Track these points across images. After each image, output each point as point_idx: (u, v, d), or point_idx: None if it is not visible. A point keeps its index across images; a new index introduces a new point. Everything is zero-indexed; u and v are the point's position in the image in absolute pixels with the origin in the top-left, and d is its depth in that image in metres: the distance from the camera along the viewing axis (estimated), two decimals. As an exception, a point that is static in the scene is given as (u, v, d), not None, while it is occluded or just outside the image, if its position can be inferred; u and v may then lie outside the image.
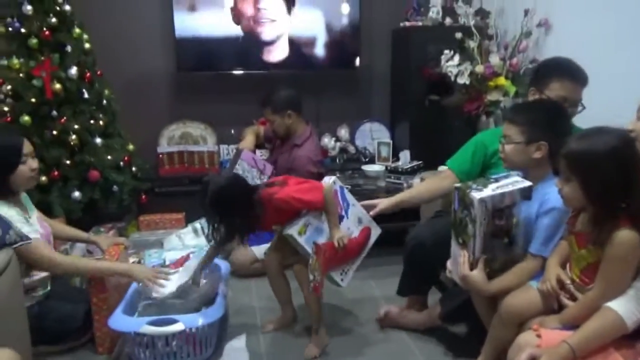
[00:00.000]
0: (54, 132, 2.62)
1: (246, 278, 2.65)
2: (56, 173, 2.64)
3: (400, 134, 3.58)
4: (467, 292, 1.70)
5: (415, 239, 2.01)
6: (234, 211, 1.84)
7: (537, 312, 1.46)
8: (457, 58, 2.92)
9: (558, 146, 1.58)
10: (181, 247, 2.73)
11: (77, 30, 2.74)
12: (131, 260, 2.53)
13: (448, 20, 3.30)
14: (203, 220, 2.81)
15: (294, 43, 3.42)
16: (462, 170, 1.99)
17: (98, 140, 2.76)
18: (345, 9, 3.44)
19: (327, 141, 3.60)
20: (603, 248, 1.29)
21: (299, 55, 3.43)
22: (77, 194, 2.66)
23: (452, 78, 2.92)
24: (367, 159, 3.51)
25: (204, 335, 1.91)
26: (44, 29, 2.61)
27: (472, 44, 2.92)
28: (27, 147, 1.96)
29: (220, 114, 3.49)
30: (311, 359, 1.97)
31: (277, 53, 3.42)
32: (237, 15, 3.31)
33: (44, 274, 2.00)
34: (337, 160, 3.54)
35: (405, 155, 3.33)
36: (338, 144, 3.62)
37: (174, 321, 1.84)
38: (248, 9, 3.31)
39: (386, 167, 3.25)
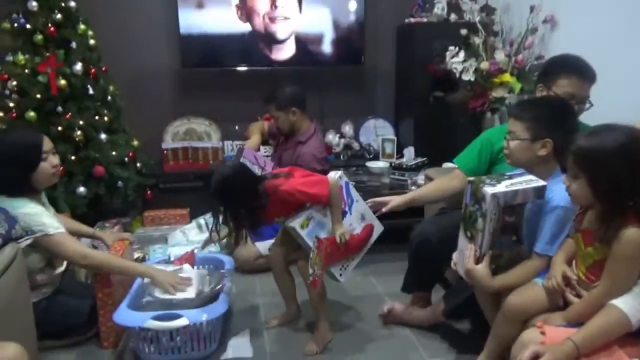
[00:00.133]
0: (59, 128, 2.63)
1: (250, 274, 2.66)
2: (61, 168, 2.64)
3: (405, 131, 3.57)
4: (471, 289, 1.70)
5: (420, 236, 2.01)
6: (238, 201, 1.84)
7: (542, 309, 1.46)
8: (462, 54, 2.91)
9: (564, 144, 1.57)
10: (185, 242, 2.75)
11: (82, 26, 2.75)
12: (135, 255, 2.55)
13: (453, 17, 3.28)
14: (207, 216, 2.82)
15: (299, 40, 3.42)
16: (469, 168, 1.99)
17: (103, 136, 2.77)
18: (351, 5, 3.43)
19: (331, 137, 3.60)
20: (610, 246, 1.28)
21: (304, 51, 3.43)
22: (82, 189, 2.67)
23: (457, 74, 2.91)
24: (371, 156, 3.51)
25: (208, 330, 1.92)
26: (49, 25, 2.62)
27: (478, 41, 2.90)
28: (47, 144, 1.97)
29: (225, 110, 3.50)
30: (311, 356, 1.98)
31: (285, 50, 3.41)
32: (246, 13, 3.30)
33: (56, 272, 2.03)
34: (341, 157, 3.54)
35: (409, 152, 3.33)
36: (342, 140, 3.62)
37: (179, 316, 1.85)
38: (262, 7, 3.30)
39: (390, 163, 3.24)
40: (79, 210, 2.66)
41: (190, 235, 2.84)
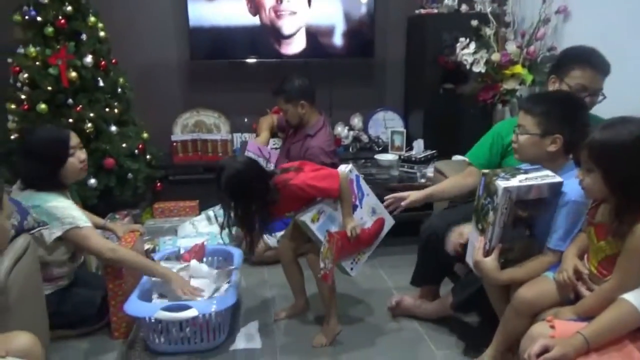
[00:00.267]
0: (70, 120, 2.64)
1: (259, 266, 2.67)
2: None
3: (414, 123, 3.55)
4: (480, 282, 1.70)
5: (429, 230, 2.01)
6: (249, 196, 1.83)
7: (552, 303, 1.45)
8: (473, 46, 2.88)
9: (574, 140, 1.56)
10: (195, 234, 2.76)
11: (92, 18, 2.75)
12: (146, 246, 2.57)
13: (464, 8, 3.25)
14: (217, 208, 2.84)
15: (309, 32, 3.40)
16: (480, 163, 1.98)
17: (113, 128, 2.79)
18: (361, -4, 3.40)
19: (340, 130, 3.59)
20: (623, 240, 1.27)
21: (313, 43, 3.41)
22: (92, 181, 2.69)
23: (468, 66, 2.88)
24: (380, 148, 3.50)
25: (217, 321, 1.93)
26: (60, 17, 2.63)
27: (489, 32, 2.87)
28: (74, 139, 1.99)
29: (234, 103, 3.50)
30: (320, 348, 1.99)
31: (294, 44, 3.40)
32: (255, 7, 3.29)
33: (74, 265, 2.06)
34: (350, 149, 3.53)
35: (419, 145, 3.31)
36: (351, 132, 3.61)
37: (188, 307, 1.87)
38: (268, 1, 3.28)
39: (399, 156, 3.23)
40: (90, 202, 2.68)
41: (200, 227, 2.85)
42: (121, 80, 2.92)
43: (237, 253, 2.29)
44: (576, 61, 1.82)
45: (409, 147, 3.37)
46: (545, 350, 1.22)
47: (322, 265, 1.86)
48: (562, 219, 1.52)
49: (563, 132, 1.56)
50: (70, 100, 2.66)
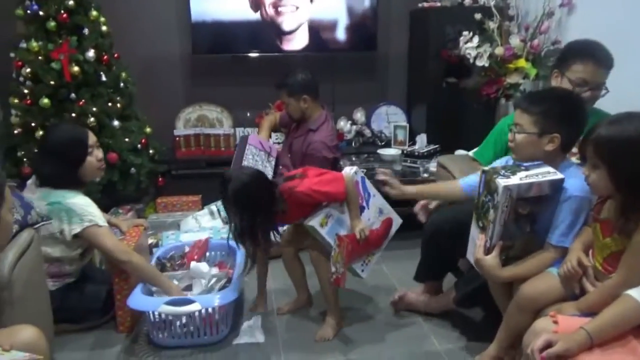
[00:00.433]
0: (73, 115, 2.64)
1: (262, 260, 2.67)
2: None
3: (417, 117, 3.54)
4: (482, 278, 1.70)
5: (434, 226, 2.00)
6: (254, 208, 1.82)
7: (555, 298, 1.45)
8: (476, 40, 2.87)
9: (572, 139, 1.55)
10: (198, 229, 2.76)
11: (94, 12, 2.75)
12: (149, 241, 2.58)
13: (467, 1, 3.22)
14: (219, 203, 2.84)
15: (312, 26, 3.38)
16: (486, 160, 1.99)
17: (116, 122, 2.79)
18: (364, -10, 3.38)
19: (343, 124, 3.58)
20: (629, 238, 1.26)
21: (316, 37, 3.40)
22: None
23: (471, 60, 2.87)
24: (383, 143, 3.49)
25: (220, 315, 1.94)
26: (62, 11, 2.62)
27: (492, 25, 2.85)
28: (91, 138, 2.01)
29: (236, 97, 3.49)
30: (323, 342, 1.99)
31: (295, 39, 3.38)
32: (255, 2, 3.27)
33: (83, 263, 2.07)
34: (353, 144, 3.53)
35: (422, 139, 3.30)
36: (354, 127, 3.60)
37: (191, 301, 1.87)
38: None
39: (402, 150, 3.22)
40: (93, 197, 2.63)
41: (203, 222, 2.86)
42: (123, 74, 2.92)
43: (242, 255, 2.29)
44: (577, 55, 1.80)
45: (412, 141, 3.36)
46: (549, 345, 1.21)
47: (333, 269, 1.86)
48: (563, 215, 1.52)
49: (561, 132, 1.54)
50: (72, 95, 2.66)
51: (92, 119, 2.66)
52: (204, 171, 3.25)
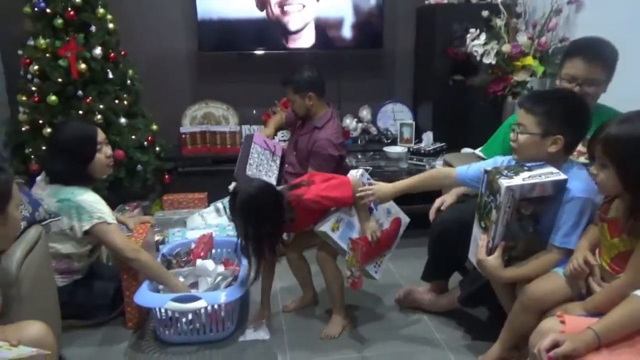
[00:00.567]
0: (80, 112, 2.66)
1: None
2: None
3: (423, 115, 3.53)
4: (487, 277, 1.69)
5: (441, 225, 2.00)
6: (262, 220, 1.82)
7: (561, 299, 1.44)
8: (483, 37, 2.85)
9: (575, 140, 1.53)
10: (204, 226, 2.77)
11: (101, 10, 2.75)
12: (155, 238, 2.59)
13: (474, -2, 3.21)
14: (225, 200, 2.84)
15: (318, 24, 3.37)
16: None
17: (122, 120, 2.80)
18: (370, -14, 3.37)
19: (349, 122, 3.57)
20: (638, 238, 1.25)
21: (322, 35, 3.39)
22: (104, 173, 2.71)
23: (478, 58, 2.85)
24: (389, 141, 3.48)
25: (226, 312, 1.94)
26: (69, 9, 2.63)
27: (499, 22, 2.83)
28: (100, 135, 2.02)
29: (242, 95, 3.49)
30: (328, 340, 2.00)
31: (302, 37, 3.37)
32: (261, 1, 3.26)
33: (91, 259, 2.09)
34: (359, 142, 3.52)
35: (428, 137, 3.29)
36: (360, 125, 3.59)
37: (197, 298, 1.88)
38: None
39: (408, 148, 3.21)
40: (100, 193, 2.66)
41: (209, 219, 2.86)
42: (130, 72, 2.92)
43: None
44: (568, 52, 1.81)
45: (418, 139, 3.35)
46: (556, 345, 1.21)
47: (348, 273, 1.87)
48: (566, 216, 1.51)
49: (564, 133, 1.53)
50: (80, 92, 2.67)
51: (99, 116, 2.67)
52: (210, 168, 3.26)
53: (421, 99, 3.61)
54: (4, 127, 2.93)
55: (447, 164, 2.63)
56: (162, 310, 1.90)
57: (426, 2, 3.35)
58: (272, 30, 3.34)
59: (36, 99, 2.67)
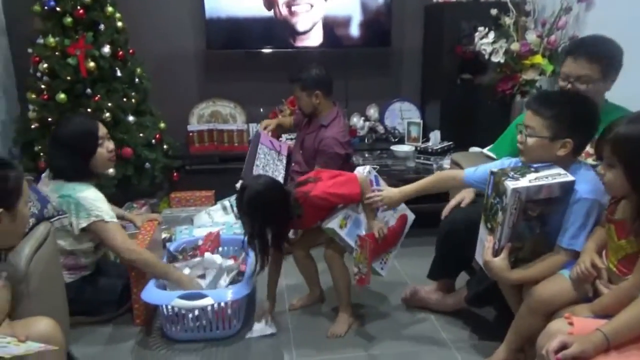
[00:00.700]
0: (89, 110, 2.67)
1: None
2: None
3: (431, 114, 3.52)
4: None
5: (449, 224, 1.99)
6: (267, 217, 1.83)
7: (568, 301, 1.43)
8: (492, 35, 2.83)
9: (583, 143, 1.52)
10: (211, 224, 2.78)
11: (110, 8, 2.76)
12: (163, 235, 2.60)
13: (483, -4, 3.19)
14: (232, 198, 2.85)
15: (325, 22, 3.36)
16: (501, 157, 1.96)
17: (130, 118, 2.81)
18: (378, -16, 3.36)
19: (356, 120, 3.57)
20: None
21: (329, 34, 3.38)
22: (110, 170, 2.71)
23: (486, 56, 2.84)
24: (396, 139, 3.47)
25: (232, 310, 1.95)
26: (78, 7, 2.64)
27: (508, 21, 2.82)
28: (102, 129, 2.02)
29: (250, 93, 3.50)
30: (334, 338, 1.99)
31: (310, 36, 3.37)
32: (269, 1, 3.26)
33: (98, 256, 2.10)
34: (366, 140, 3.51)
35: (435, 136, 3.27)
36: (367, 123, 3.58)
37: (204, 296, 1.89)
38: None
39: (416, 147, 3.20)
40: (108, 191, 2.69)
41: (216, 217, 2.87)
42: (138, 70, 2.94)
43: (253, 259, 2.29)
44: (564, 52, 1.84)
45: (426, 138, 3.34)
46: (564, 346, 1.20)
47: (356, 270, 1.87)
48: (573, 218, 1.50)
49: (573, 137, 1.51)
50: (88, 90, 2.69)
51: (107, 114, 2.69)
52: (217, 167, 3.27)
53: (429, 98, 3.59)
54: (14, 124, 2.96)
55: (455, 163, 2.61)
56: (169, 307, 1.90)
57: (434, 0, 3.33)
58: (280, 29, 3.34)
59: (45, 96, 2.69)
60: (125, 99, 2.81)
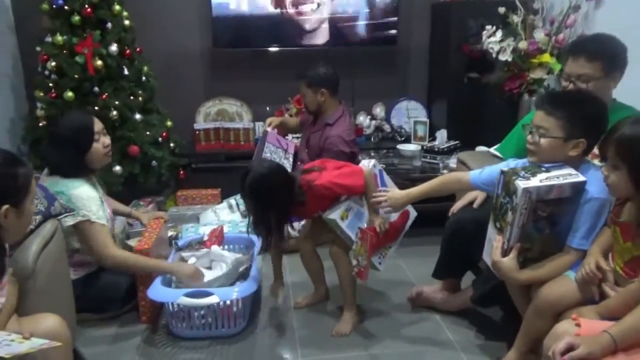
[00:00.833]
0: (96, 108, 2.68)
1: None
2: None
3: (438, 113, 3.50)
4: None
5: (456, 223, 1.98)
6: (270, 200, 1.82)
7: (574, 303, 1.42)
8: (499, 34, 2.81)
9: (594, 143, 1.51)
10: (217, 222, 2.79)
11: (117, 7, 2.77)
12: (169, 233, 2.61)
13: (491, -6, 3.16)
14: (238, 196, 2.86)
15: (332, 21, 3.36)
16: (508, 156, 1.95)
17: (137, 116, 2.82)
18: (384, -17, 3.35)
19: (362, 119, 3.56)
20: None
21: (336, 32, 3.38)
22: (117, 168, 2.74)
23: (494, 55, 2.82)
24: (402, 138, 3.46)
25: (238, 308, 1.95)
26: (86, 6, 2.66)
27: (516, 19, 2.80)
28: (97, 124, 2.01)
29: (256, 91, 3.50)
30: (339, 337, 1.99)
31: (316, 35, 3.37)
32: (276, 0, 3.26)
33: None
34: (372, 139, 3.51)
35: (442, 135, 3.26)
36: (373, 122, 3.57)
37: (209, 294, 1.89)
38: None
39: (422, 146, 3.19)
40: (115, 189, 2.73)
41: (222, 215, 2.88)
42: (145, 68, 2.95)
43: (258, 240, 2.30)
44: (566, 53, 1.84)
45: (432, 137, 3.33)
46: (571, 348, 1.19)
47: (354, 262, 1.86)
48: (584, 218, 1.48)
49: (586, 137, 1.50)
50: (96, 88, 2.70)
51: (114, 112, 2.70)
52: (223, 165, 3.27)
53: (435, 97, 3.58)
54: (22, 122, 2.98)
55: (461, 162, 2.60)
56: (175, 305, 1.91)
57: (442, -2, 3.32)
58: (287, 27, 3.33)
59: (53, 95, 2.71)
60: (132, 97, 2.82)
